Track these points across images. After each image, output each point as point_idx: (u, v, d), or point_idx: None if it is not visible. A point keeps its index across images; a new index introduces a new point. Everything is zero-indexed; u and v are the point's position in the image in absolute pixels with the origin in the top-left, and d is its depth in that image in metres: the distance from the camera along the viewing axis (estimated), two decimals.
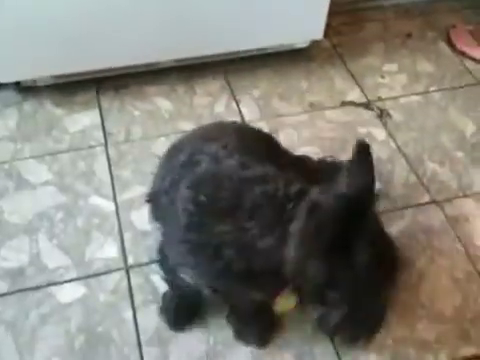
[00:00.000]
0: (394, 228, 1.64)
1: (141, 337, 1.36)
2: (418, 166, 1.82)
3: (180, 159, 1.22)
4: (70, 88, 1.99)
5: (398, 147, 1.88)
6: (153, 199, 1.38)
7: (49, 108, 1.95)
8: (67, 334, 1.37)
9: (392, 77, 2.16)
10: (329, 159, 1.73)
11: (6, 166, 1.75)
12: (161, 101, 1.98)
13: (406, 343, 1.40)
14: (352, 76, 2.14)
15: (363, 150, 0.97)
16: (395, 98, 2.07)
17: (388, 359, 1.38)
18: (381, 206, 1.68)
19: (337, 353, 1.37)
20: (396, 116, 2.00)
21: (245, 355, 1.35)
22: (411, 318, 1.45)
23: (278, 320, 1.41)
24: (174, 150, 1.33)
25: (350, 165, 0.96)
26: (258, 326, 1.38)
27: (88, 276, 1.49)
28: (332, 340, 1.39)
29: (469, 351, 1.40)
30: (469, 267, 1.57)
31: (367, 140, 1.07)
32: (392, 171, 1.80)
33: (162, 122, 1.92)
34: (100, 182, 1.72)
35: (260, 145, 1.34)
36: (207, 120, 1.92)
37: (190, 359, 1.33)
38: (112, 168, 1.76)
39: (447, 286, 1.53)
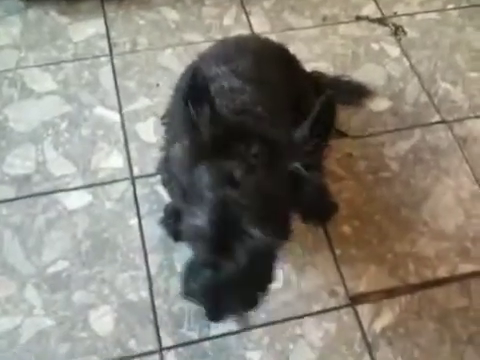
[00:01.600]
0: (401, 146, 1.63)
1: (146, 244, 1.39)
2: (430, 85, 1.78)
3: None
4: None
5: (411, 65, 1.83)
6: (167, 119, 1.37)
7: (53, 16, 1.89)
8: (73, 239, 1.39)
9: None
10: (343, 78, 1.70)
11: (10, 74, 1.72)
12: (167, 11, 1.92)
13: (406, 258, 1.43)
14: None
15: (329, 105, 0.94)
16: (411, 14, 1.99)
17: (386, 272, 1.41)
18: (390, 124, 1.67)
19: (337, 264, 1.40)
20: (411, 33, 1.93)
21: None
22: (412, 234, 1.47)
23: None
24: (189, 70, 1.30)
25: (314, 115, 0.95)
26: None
27: (94, 184, 1.50)
28: (333, 251, 1.42)
29: (468, 268, 1.43)
30: (475, 187, 1.57)
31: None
32: (404, 89, 1.77)
33: (168, 33, 1.86)
34: (105, 93, 1.70)
35: (275, 68, 1.31)
36: (215, 32, 1.87)
37: None
38: (117, 79, 1.73)
39: (451, 205, 1.53)
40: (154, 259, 1.37)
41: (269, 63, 1.31)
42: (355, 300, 1.36)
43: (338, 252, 1.42)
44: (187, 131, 0.98)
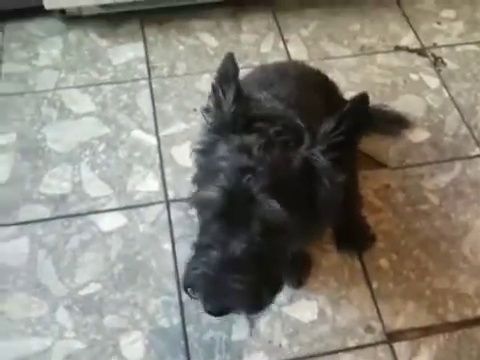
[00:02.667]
0: (441, 179, 1.59)
1: (179, 269, 1.37)
2: (470, 117, 1.75)
3: None
4: (115, 19, 1.96)
5: (451, 97, 1.80)
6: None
7: (94, 38, 1.92)
8: (107, 261, 1.38)
9: (449, 24, 2.05)
10: (383, 108, 1.68)
11: (49, 94, 1.74)
12: (206, 37, 1.93)
13: (445, 294, 1.38)
14: (407, 20, 2.04)
15: (359, 103, 0.94)
16: (451, 46, 1.97)
17: (425, 308, 1.36)
18: (429, 156, 1.64)
19: (374, 298, 1.36)
20: (450, 64, 1.91)
21: (281, 295, 1.34)
22: (452, 270, 1.42)
23: (315, 262, 1.40)
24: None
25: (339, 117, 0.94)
26: (295, 268, 1.37)
27: (129, 207, 1.49)
28: (369, 285, 1.38)
29: None
30: None
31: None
32: (443, 121, 1.74)
33: (206, 58, 1.87)
34: (142, 116, 1.70)
35: (316, 94, 1.30)
36: (253, 59, 1.87)
37: None
38: (155, 102, 1.74)
39: None
40: None
41: (310, 89, 1.30)
42: (392, 337, 1.31)
43: (375, 286, 1.38)
44: (213, 110, 0.99)
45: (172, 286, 1.34)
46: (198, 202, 0.98)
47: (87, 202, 1.49)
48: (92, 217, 1.46)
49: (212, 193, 0.92)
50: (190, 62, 1.86)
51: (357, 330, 1.32)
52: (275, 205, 0.89)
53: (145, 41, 1.92)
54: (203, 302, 0.94)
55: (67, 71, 1.82)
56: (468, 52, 1.95)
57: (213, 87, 1.00)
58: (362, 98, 0.93)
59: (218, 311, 0.94)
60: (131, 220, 1.46)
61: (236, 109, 0.97)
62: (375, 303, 1.35)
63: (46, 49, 1.88)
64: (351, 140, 0.95)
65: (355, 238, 1.43)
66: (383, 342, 1.31)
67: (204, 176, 1.00)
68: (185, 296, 1.30)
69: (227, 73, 0.98)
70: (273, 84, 1.23)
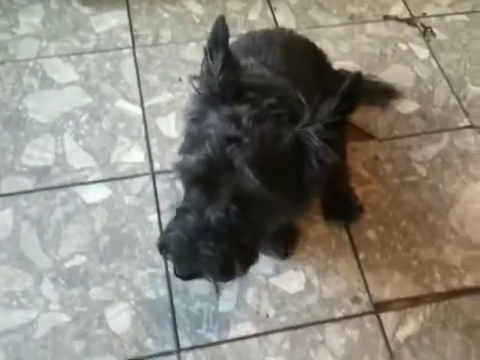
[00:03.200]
0: (429, 150, 1.58)
1: None
2: (459, 89, 1.73)
3: None
4: None
5: (440, 67, 1.78)
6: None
7: (76, 6, 1.86)
8: (92, 233, 1.36)
9: None
10: (371, 78, 1.65)
11: (31, 63, 1.69)
12: (192, 4, 1.88)
13: (432, 265, 1.38)
14: None
15: (359, 81, 0.91)
16: (440, 16, 1.94)
17: (412, 279, 1.36)
18: (417, 127, 1.63)
19: (360, 269, 1.36)
20: (440, 35, 1.88)
21: (267, 266, 1.34)
22: (439, 241, 1.42)
23: (302, 233, 1.39)
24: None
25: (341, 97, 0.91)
26: (282, 238, 1.36)
27: (114, 179, 1.46)
28: (356, 256, 1.38)
29: None
30: None
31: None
32: (432, 92, 1.72)
33: (192, 26, 1.83)
34: (127, 86, 1.66)
35: (303, 63, 1.27)
36: (240, 27, 1.83)
37: None
38: (139, 72, 1.70)
39: (479, 212, 1.48)
40: None
41: (298, 56, 1.27)
42: (379, 307, 1.32)
43: (362, 257, 1.38)
44: (202, 77, 0.97)
45: (158, 258, 1.32)
46: (180, 167, 0.97)
47: (71, 174, 1.46)
48: (76, 189, 1.43)
49: (193, 158, 0.91)
50: (175, 30, 1.81)
51: (344, 301, 1.31)
52: (252, 177, 0.88)
53: (129, 9, 1.86)
54: (173, 264, 0.95)
55: (48, 40, 1.76)
56: (457, 22, 1.93)
57: (205, 52, 0.97)
58: (359, 77, 0.91)
59: (186, 274, 0.95)
60: (116, 192, 1.44)
61: (225, 76, 0.94)
62: (362, 274, 1.35)
63: (27, 17, 1.82)
64: (345, 119, 0.92)
65: (343, 209, 1.42)
66: (370, 312, 1.31)
67: (191, 144, 0.98)
68: (172, 269, 1.31)
69: (217, 37, 0.95)
70: (260, 51, 1.21)
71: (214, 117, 0.95)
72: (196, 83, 1.00)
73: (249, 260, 1.00)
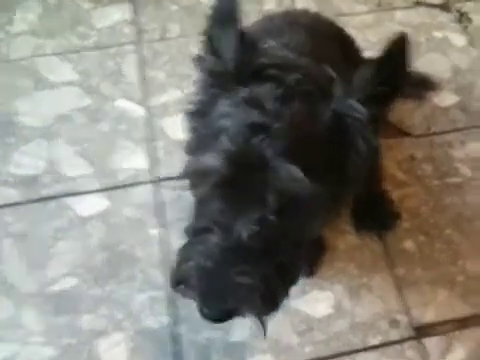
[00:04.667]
0: (473, 148, 1.38)
1: (170, 258, 1.17)
2: None
3: None
4: None
5: None
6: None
7: (75, 1, 1.71)
8: (85, 251, 1.19)
9: None
10: None
11: (24, 63, 1.54)
12: None
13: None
14: None
15: (399, 45, 0.74)
16: (477, 0, 1.74)
17: (459, 297, 1.15)
18: (458, 122, 1.42)
19: (399, 287, 1.16)
20: (477, 21, 1.67)
21: None
22: None
23: (329, 245, 1.20)
24: None
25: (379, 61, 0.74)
26: (306, 253, 1.17)
27: (112, 188, 1.29)
28: (394, 272, 1.18)
29: None
30: None
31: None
32: (473, 83, 1.51)
33: (203, 19, 1.64)
34: (130, 84, 1.50)
35: (331, 46, 1.09)
36: (255, 18, 1.64)
37: None
38: (145, 69, 1.53)
39: None
40: None
41: (325, 39, 1.09)
42: (421, 332, 1.11)
43: (400, 273, 1.18)
44: (208, 60, 0.79)
45: (161, 279, 1.15)
46: (193, 172, 0.77)
47: (63, 183, 1.30)
48: (69, 200, 1.27)
49: (212, 159, 0.71)
50: (184, 24, 1.65)
51: (380, 325, 1.12)
52: (297, 173, 0.69)
53: (133, 1, 1.71)
54: (199, 304, 0.74)
55: (45, 37, 1.61)
56: None
57: (206, 32, 0.80)
58: (403, 38, 0.73)
59: (219, 315, 0.74)
60: (114, 203, 1.26)
61: (240, 55, 0.76)
62: (400, 292, 1.15)
63: (22, 13, 1.67)
64: (392, 92, 0.74)
65: (377, 216, 1.23)
66: (411, 338, 1.11)
67: (200, 142, 0.80)
68: None
69: (224, 12, 0.77)
70: (282, 33, 1.02)
71: (227, 104, 0.77)
72: (200, 67, 0.82)
73: (292, 280, 0.80)
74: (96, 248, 1.19)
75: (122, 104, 1.45)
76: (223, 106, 0.77)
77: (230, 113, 0.75)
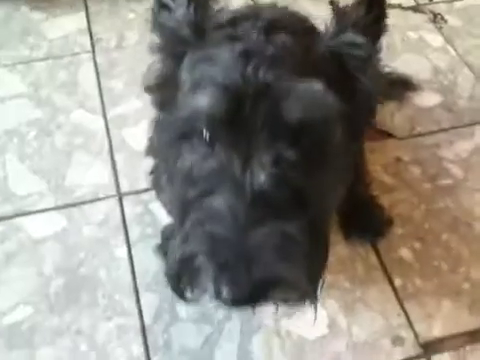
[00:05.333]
0: (462, 147, 1.29)
1: (138, 280, 1.02)
2: None
3: None
4: None
5: (459, 55, 1.51)
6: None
7: (25, 12, 1.58)
8: (40, 276, 1.03)
9: None
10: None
11: None
12: None
13: None
14: None
15: None
16: (449, 2, 1.69)
17: (466, 308, 1.03)
18: (444, 122, 1.34)
19: (399, 300, 1.03)
20: (452, 21, 1.62)
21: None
22: None
23: None
24: None
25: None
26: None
27: (69, 205, 1.14)
28: (391, 282, 1.05)
29: None
30: None
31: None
32: (454, 82, 1.44)
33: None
34: (85, 95, 1.36)
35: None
36: None
37: (204, 308, 0.99)
38: (101, 78, 1.40)
39: None
40: (149, 301, 1.00)
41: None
42: (429, 348, 0.98)
43: (398, 284, 1.05)
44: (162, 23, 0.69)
45: (129, 304, 0.99)
46: (184, 120, 0.62)
47: (13, 202, 1.14)
48: (20, 220, 1.11)
49: (205, 98, 0.58)
50: (143, 31, 1.51)
51: (382, 343, 0.98)
52: (314, 86, 0.57)
53: (87, 11, 1.58)
54: (216, 284, 0.56)
55: None
56: (470, 7, 1.67)
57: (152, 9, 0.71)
58: None
59: (246, 292, 0.55)
60: (72, 221, 1.11)
61: (198, 7, 0.66)
62: (401, 305, 1.02)
63: None
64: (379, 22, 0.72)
65: (367, 222, 1.11)
66: (418, 356, 0.97)
67: (169, 114, 0.67)
68: (147, 316, 0.97)
69: None
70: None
71: (200, 54, 0.65)
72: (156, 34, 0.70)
73: (326, 248, 0.66)
74: (52, 272, 1.03)
75: (78, 115, 1.32)
76: (194, 56, 0.66)
77: (209, 55, 0.63)
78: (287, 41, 0.64)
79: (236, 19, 0.70)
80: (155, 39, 0.74)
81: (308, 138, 0.60)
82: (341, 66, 0.67)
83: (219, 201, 0.58)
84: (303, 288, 0.59)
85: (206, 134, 0.61)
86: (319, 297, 0.64)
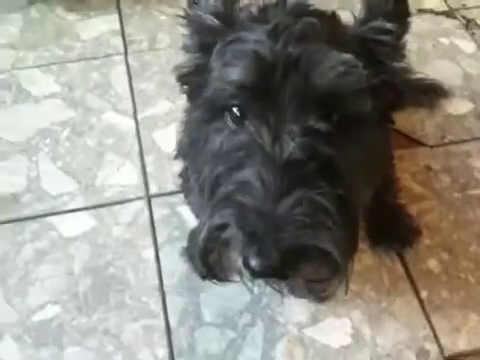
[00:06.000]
0: None
1: (164, 282, 1.03)
2: None
3: None
4: None
5: None
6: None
7: (60, 13, 1.61)
8: (69, 276, 1.05)
9: None
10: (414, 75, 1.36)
11: (3, 76, 1.42)
12: None
13: None
14: None
15: None
16: None
17: None
18: (476, 130, 1.32)
19: (425, 312, 1.02)
20: None
21: (301, 312, 1.01)
22: None
23: None
24: None
25: None
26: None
27: (99, 205, 1.16)
28: (417, 294, 1.04)
29: None
30: None
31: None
32: None
33: None
34: (117, 96, 1.38)
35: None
36: None
37: (229, 313, 1.00)
38: (133, 80, 1.42)
39: None
40: (175, 304, 1.01)
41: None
42: None
43: (425, 295, 1.04)
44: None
45: (155, 306, 1.00)
46: (217, 92, 0.63)
47: (45, 201, 1.16)
48: (51, 219, 1.13)
49: (237, 71, 0.60)
50: (174, 34, 1.53)
51: (407, 355, 0.98)
52: (345, 55, 0.59)
53: (120, 13, 1.60)
54: (247, 254, 0.55)
55: (26, 50, 1.50)
56: None
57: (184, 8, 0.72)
58: None
59: (278, 261, 0.54)
60: (101, 222, 1.13)
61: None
62: (427, 318, 1.02)
63: (2, 27, 1.56)
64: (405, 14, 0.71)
65: (394, 231, 1.10)
66: None
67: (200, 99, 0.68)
68: (173, 318, 0.98)
69: None
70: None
71: (228, 40, 0.67)
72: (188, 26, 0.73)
73: (357, 225, 0.67)
74: (81, 272, 1.05)
75: (110, 117, 1.33)
76: (224, 43, 0.67)
77: (240, 37, 0.64)
78: (316, 22, 0.65)
79: (265, 8, 0.72)
80: (187, 38, 0.75)
81: (338, 108, 0.61)
82: (369, 50, 0.68)
83: (249, 173, 0.58)
84: (334, 260, 0.58)
85: (236, 110, 0.63)
86: (350, 274, 0.64)
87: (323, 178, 0.59)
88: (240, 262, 0.56)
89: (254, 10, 0.72)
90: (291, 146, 0.58)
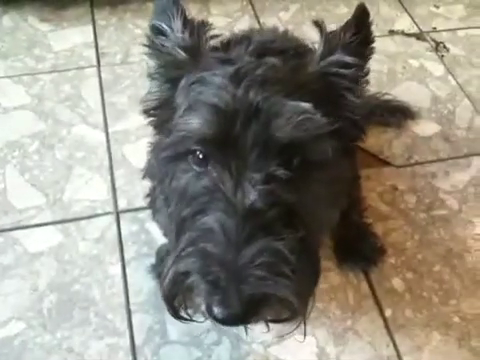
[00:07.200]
0: (458, 178, 1.30)
1: (131, 299, 1.03)
2: None
3: None
4: (59, 1, 1.64)
5: (459, 85, 1.52)
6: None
7: (33, 23, 1.60)
8: (34, 292, 1.04)
9: (447, 7, 1.78)
10: (382, 96, 1.39)
11: None
12: None
13: (479, 320, 1.06)
14: (400, 3, 1.77)
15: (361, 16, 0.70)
16: (452, 30, 1.70)
17: (455, 341, 1.04)
18: (441, 152, 1.35)
19: (389, 330, 1.04)
20: (454, 50, 1.63)
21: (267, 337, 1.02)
22: None
23: None
24: None
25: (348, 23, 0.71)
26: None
27: (66, 220, 1.15)
28: (381, 313, 1.06)
29: None
30: None
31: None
32: (453, 112, 1.45)
33: None
34: (88, 109, 1.38)
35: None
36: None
37: (195, 331, 1.00)
38: (104, 93, 1.41)
39: None
40: (141, 321, 1.01)
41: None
42: None
43: (389, 314, 1.06)
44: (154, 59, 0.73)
45: (121, 323, 1.00)
46: (178, 140, 0.65)
47: (11, 215, 1.15)
48: (17, 234, 1.12)
49: (197, 119, 0.62)
50: None
51: None
52: (303, 106, 0.60)
53: (94, 24, 1.60)
54: (208, 302, 0.57)
55: None
56: (473, 37, 1.69)
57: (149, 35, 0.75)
58: (363, 5, 0.70)
59: (238, 312, 0.56)
60: (68, 237, 1.12)
61: (194, 32, 0.70)
62: (391, 336, 1.03)
63: None
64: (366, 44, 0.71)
65: (360, 250, 1.12)
66: None
67: (166, 136, 0.69)
68: (139, 336, 0.98)
69: (164, 5, 0.72)
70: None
71: (193, 76, 0.68)
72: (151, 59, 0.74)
73: (318, 270, 0.67)
74: (46, 288, 1.04)
75: (80, 130, 1.33)
76: (189, 79, 0.68)
77: (203, 78, 0.66)
78: (277, 63, 0.67)
79: (230, 43, 0.73)
80: (152, 65, 0.76)
81: (299, 156, 0.62)
82: (330, 86, 0.69)
83: (211, 219, 0.60)
84: (293, 305, 0.60)
85: (199, 154, 0.64)
86: (309, 315, 0.65)
87: (284, 225, 0.60)
88: (204, 307, 0.58)
89: (218, 42, 0.73)
90: (252, 194, 0.60)
